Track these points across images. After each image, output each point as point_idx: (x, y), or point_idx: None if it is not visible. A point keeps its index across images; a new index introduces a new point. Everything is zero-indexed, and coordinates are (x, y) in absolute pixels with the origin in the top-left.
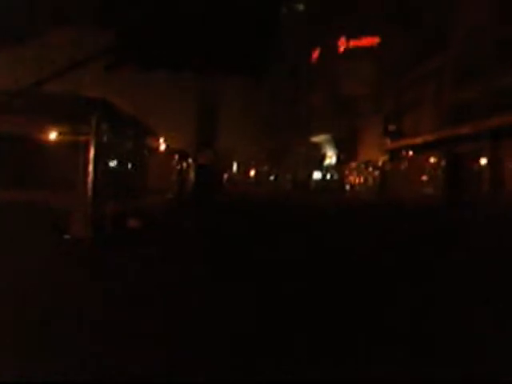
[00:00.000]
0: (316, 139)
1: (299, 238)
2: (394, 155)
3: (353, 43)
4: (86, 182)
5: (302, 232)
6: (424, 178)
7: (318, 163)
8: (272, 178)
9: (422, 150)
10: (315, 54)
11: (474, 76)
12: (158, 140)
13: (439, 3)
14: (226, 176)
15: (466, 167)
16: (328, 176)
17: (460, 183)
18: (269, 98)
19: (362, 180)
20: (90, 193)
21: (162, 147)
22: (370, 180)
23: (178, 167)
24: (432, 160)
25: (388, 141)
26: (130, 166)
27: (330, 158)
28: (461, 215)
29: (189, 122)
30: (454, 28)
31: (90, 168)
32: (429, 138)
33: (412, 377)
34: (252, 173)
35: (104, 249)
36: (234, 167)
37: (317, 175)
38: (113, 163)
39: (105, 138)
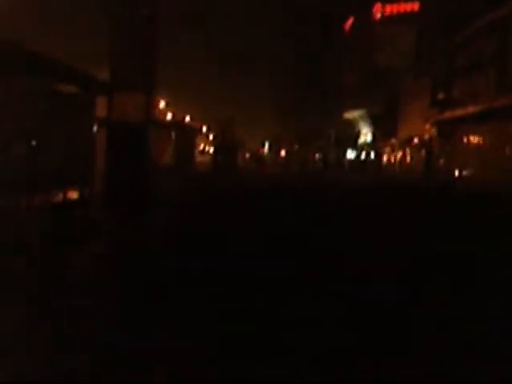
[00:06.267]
0: (349, 116)
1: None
2: (444, 129)
3: (390, 9)
4: None
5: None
6: (487, 155)
7: (352, 142)
8: (304, 158)
9: (482, 120)
10: (348, 24)
11: None
12: (110, 101)
13: None
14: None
15: None
16: (363, 155)
17: None
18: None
19: (404, 159)
20: None
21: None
22: (415, 158)
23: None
24: (498, 133)
25: (436, 112)
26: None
27: (365, 136)
28: None
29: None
30: None
31: None
32: (494, 104)
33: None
34: (283, 153)
35: None
36: (266, 147)
37: (351, 154)
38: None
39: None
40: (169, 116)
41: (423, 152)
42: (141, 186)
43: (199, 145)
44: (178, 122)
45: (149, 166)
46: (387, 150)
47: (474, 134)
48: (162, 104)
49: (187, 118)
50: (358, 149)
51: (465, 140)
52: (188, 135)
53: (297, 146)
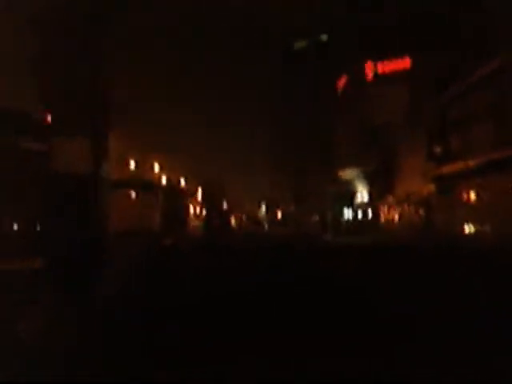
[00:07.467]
0: (344, 175)
1: None
2: (442, 184)
3: (382, 67)
4: None
5: None
6: (490, 211)
7: (349, 201)
8: (299, 219)
9: (483, 174)
10: (341, 83)
11: None
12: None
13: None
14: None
15: None
16: (360, 215)
17: None
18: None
19: (402, 217)
20: None
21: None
22: (413, 216)
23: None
24: (499, 186)
25: (433, 166)
26: None
27: (361, 195)
28: None
29: None
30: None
31: None
32: (495, 156)
33: None
34: (279, 214)
35: None
36: (262, 208)
37: (348, 214)
38: None
39: None
40: (163, 180)
41: (421, 210)
42: (84, 258)
43: (194, 208)
44: (168, 186)
45: (100, 233)
46: (384, 208)
47: (475, 188)
48: (156, 167)
49: (181, 181)
50: (355, 209)
51: (465, 195)
52: (180, 199)
53: (293, 207)
